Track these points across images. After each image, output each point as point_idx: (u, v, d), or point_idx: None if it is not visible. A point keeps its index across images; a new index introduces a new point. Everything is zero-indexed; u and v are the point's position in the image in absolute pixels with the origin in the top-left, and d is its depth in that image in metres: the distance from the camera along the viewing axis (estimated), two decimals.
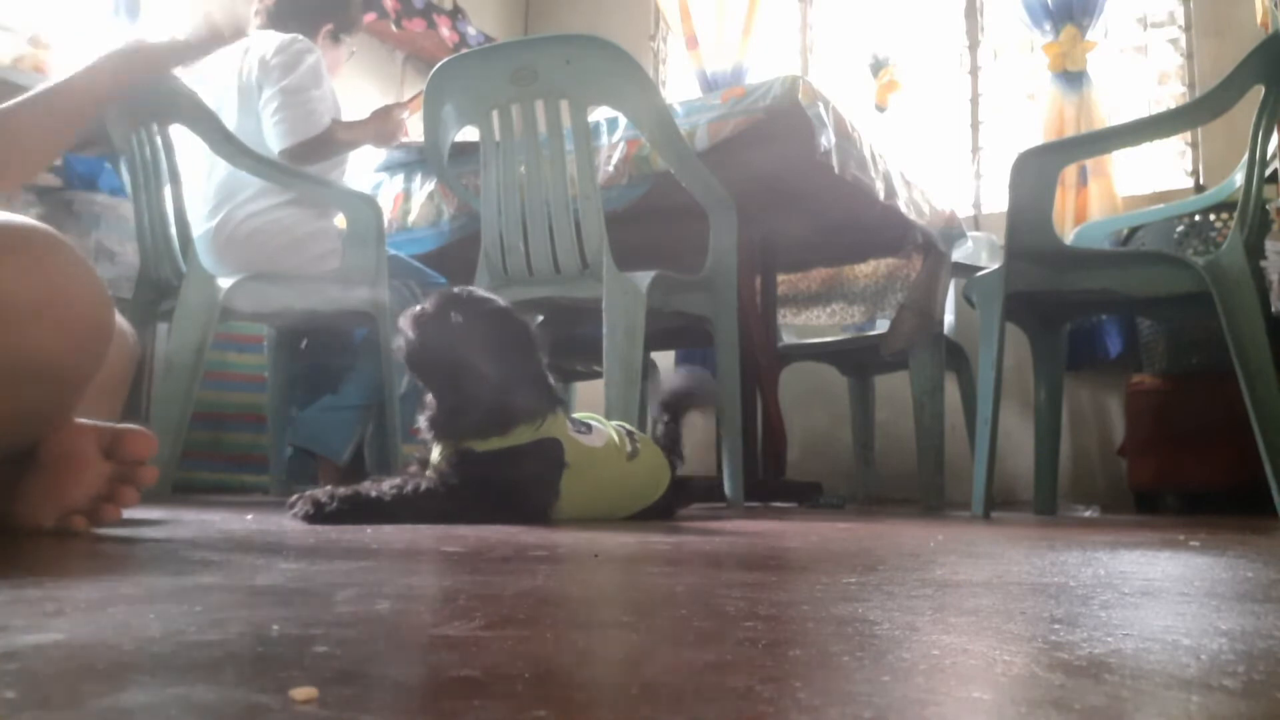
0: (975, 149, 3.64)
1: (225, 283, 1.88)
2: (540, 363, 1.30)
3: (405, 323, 1.27)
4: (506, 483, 1.22)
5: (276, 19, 2.15)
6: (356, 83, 2.14)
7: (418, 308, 1.28)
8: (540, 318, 2.14)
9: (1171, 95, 3.37)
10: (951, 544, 0.96)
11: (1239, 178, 1.98)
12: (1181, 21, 3.35)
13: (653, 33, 4.35)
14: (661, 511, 1.41)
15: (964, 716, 0.27)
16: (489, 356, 1.23)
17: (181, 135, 1.93)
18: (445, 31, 3.84)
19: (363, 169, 2.39)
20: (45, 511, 0.88)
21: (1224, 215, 2.44)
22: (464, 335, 1.24)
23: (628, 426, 1.45)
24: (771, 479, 2.23)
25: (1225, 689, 0.30)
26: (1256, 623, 0.45)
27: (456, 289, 1.30)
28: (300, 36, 2.07)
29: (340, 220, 2.09)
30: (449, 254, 2.26)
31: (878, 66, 3.75)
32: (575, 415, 1.38)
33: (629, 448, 1.37)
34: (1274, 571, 0.72)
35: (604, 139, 2.02)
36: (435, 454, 1.26)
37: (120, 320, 1.15)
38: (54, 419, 0.87)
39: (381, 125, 2.11)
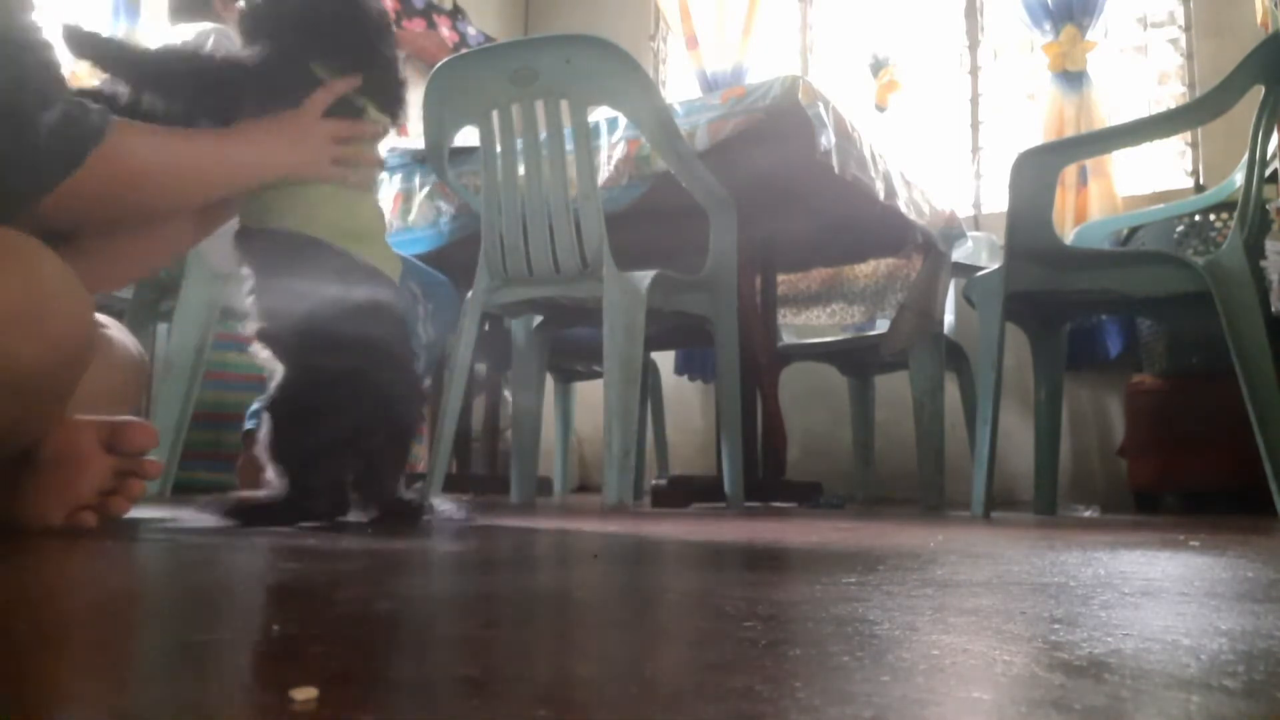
0: (975, 149, 3.64)
1: (225, 283, 1.88)
2: None
3: None
4: None
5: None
6: None
7: None
8: (540, 318, 2.14)
9: (1171, 95, 3.37)
10: (951, 544, 0.96)
11: (1239, 178, 1.98)
12: (1181, 21, 3.35)
13: (653, 33, 4.35)
14: None
15: (964, 716, 0.27)
16: None
17: None
18: (445, 31, 3.84)
19: None
20: (53, 509, 0.88)
21: (1224, 215, 2.44)
22: None
23: None
24: (771, 479, 2.23)
25: (1225, 689, 0.30)
26: (1256, 623, 0.45)
27: None
28: (208, 26, 1.91)
29: None
30: (449, 254, 2.26)
31: (878, 66, 3.75)
32: None
33: None
34: (1274, 571, 0.72)
35: (604, 139, 2.02)
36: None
37: (128, 338, 1.15)
38: (33, 432, 0.86)
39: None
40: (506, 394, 3.19)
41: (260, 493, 1.01)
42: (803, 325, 2.96)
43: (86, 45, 1.02)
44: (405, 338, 1.13)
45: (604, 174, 1.96)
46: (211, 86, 1.06)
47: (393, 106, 1.17)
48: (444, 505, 1.21)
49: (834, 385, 3.05)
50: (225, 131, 1.05)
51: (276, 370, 1.07)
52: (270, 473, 1.01)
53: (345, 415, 1.02)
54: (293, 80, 1.08)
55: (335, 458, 1.02)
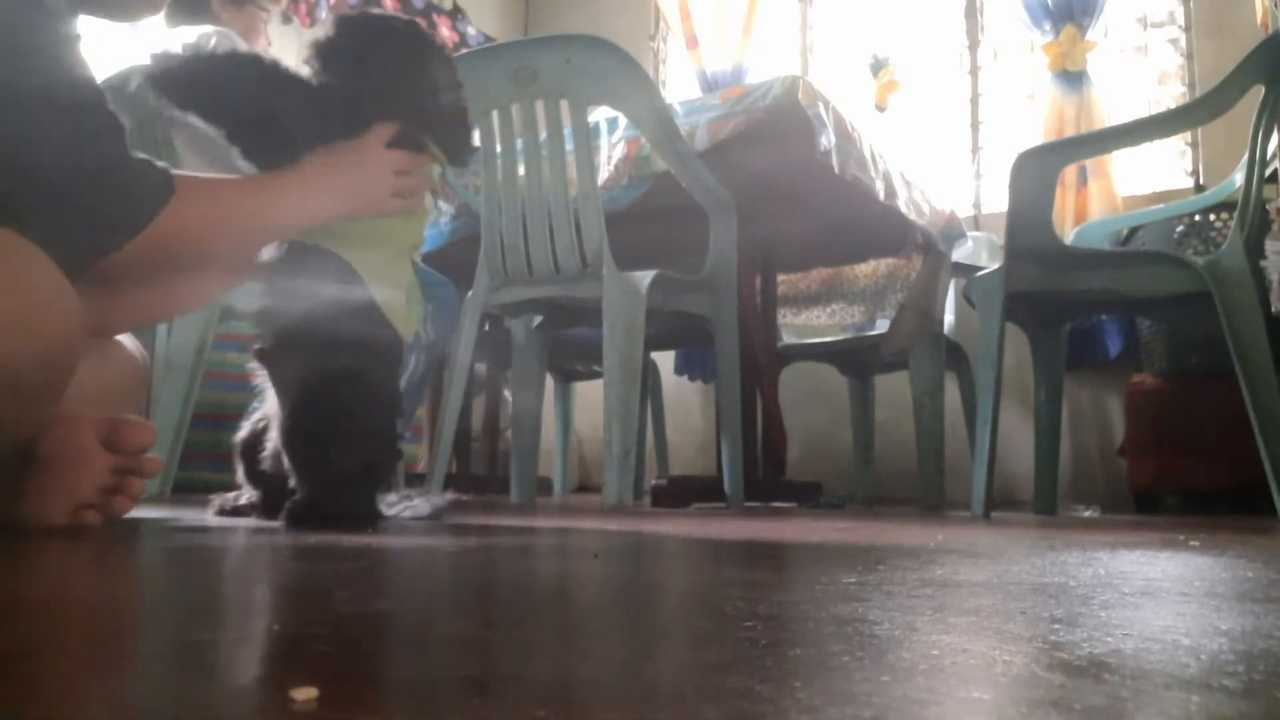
0: (975, 149, 3.64)
1: None
2: None
3: None
4: None
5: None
6: None
7: None
8: (540, 318, 2.14)
9: (1171, 95, 3.37)
10: (951, 544, 0.96)
11: (1239, 178, 1.98)
12: (1181, 21, 3.35)
13: (653, 33, 4.35)
14: None
15: (964, 716, 0.27)
16: None
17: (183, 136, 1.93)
18: (445, 31, 3.84)
19: None
20: (55, 509, 0.88)
21: (1224, 215, 2.44)
22: None
23: None
24: (771, 479, 2.23)
25: (1225, 689, 0.30)
26: (1256, 623, 0.45)
27: None
28: (209, 29, 1.86)
29: None
30: (449, 254, 2.26)
31: (878, 66, 3.75)
32: None
33: None
34: (1274, 571, 0.72)
35: (604, 139, 2.02)
36: None
37: (128, 338, 1.15)
38: (23, 432, 0.85)
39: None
40: (506, 394, 3.19)
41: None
42: (803, 325, 2.96)
43: (171, 84, 1.03)
44: (393, 377, 1.15)
45: (604, 174, 1.96)
46: (274, 102, 1.05)
47: (457, 151, 1.16)
48: (415, 502, 1.22)
49: (834, 385, 3.05)
50: (282, 177, 1.04)
51: (269, 391, 1.10)
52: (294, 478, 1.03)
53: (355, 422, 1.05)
54: (357, 109, 1.08)
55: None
